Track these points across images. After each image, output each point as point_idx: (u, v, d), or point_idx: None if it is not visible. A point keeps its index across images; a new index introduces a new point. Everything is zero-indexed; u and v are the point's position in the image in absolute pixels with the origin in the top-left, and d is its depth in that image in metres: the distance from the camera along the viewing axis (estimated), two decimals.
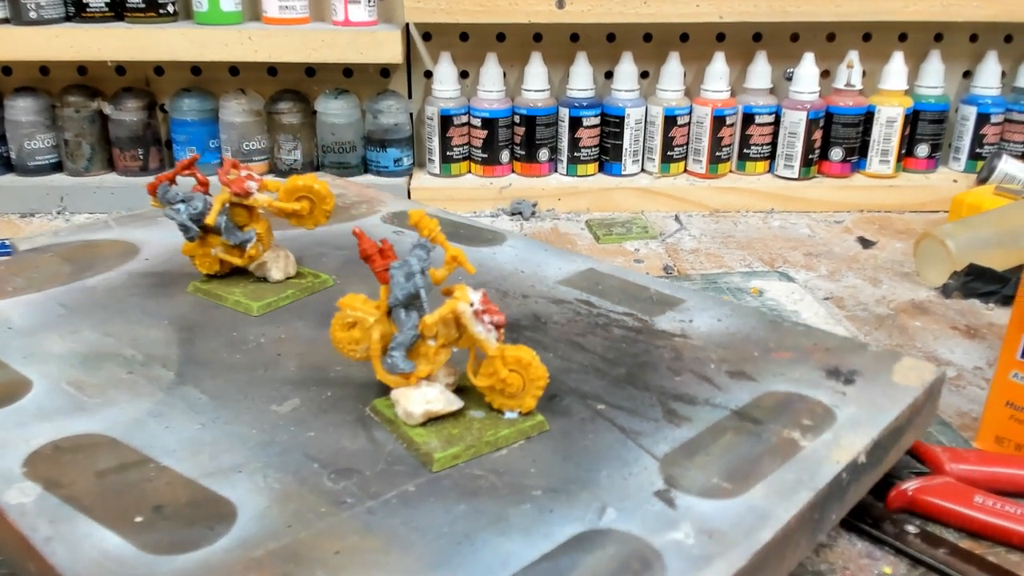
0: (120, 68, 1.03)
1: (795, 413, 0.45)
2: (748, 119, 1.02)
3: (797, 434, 0.44)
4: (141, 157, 1.01)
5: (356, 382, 0.47)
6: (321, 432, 0.42)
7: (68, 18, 0.97)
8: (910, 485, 0.47)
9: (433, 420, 0.42)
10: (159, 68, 1.04)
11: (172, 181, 0.56)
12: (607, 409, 0.45)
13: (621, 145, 1.02)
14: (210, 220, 0.55)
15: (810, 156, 1.02)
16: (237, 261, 0.58)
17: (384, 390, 0.45)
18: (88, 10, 0.96)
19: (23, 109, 0.99)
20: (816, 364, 0.50)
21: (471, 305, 0.41)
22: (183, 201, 0.55)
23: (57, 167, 1.02)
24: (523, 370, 0.42)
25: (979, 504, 0.46)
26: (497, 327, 0.42)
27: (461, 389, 0.45)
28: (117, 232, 0.68)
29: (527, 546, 0.35)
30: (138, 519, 0.36)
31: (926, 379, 0.49)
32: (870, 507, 0.47)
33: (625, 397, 0.47)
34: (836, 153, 1.03)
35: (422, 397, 0.42)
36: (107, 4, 0.96)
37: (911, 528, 0.46)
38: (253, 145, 1.00)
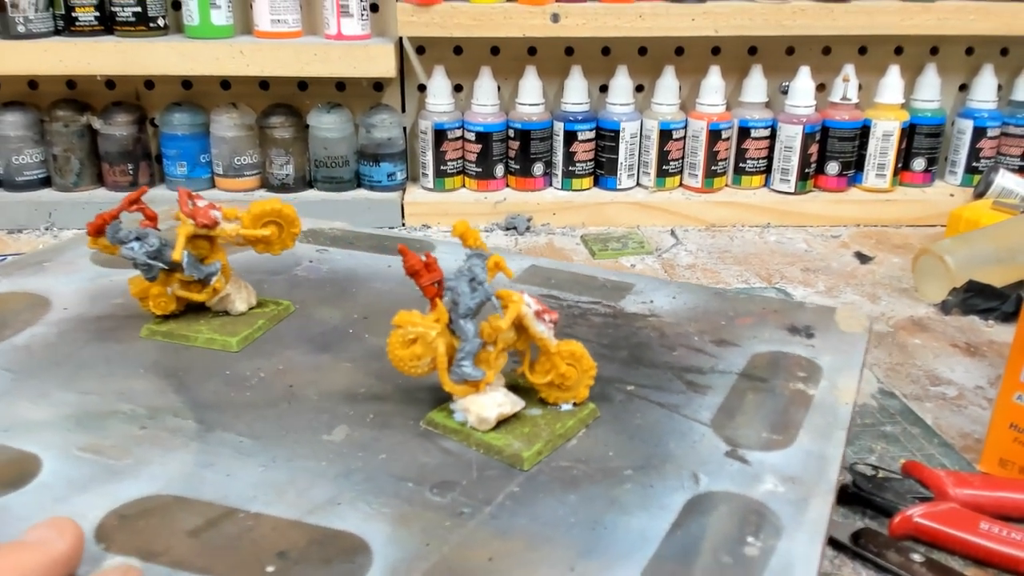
0: (110, 82, 1.02)
1: (788, 368, 0.51)
2: (744, 133, 1.02)
3: (801, 385, 0.49)
4: (131, 172, 0.99)
5: (391, 400, 0.47)
6: (391, 453, 0.42)
7: (57, 32, 0.96)
8: (915, 511, 0.46)
9: (501, 423, 0.44)
10: (149, 82, 1.03)
11: (116, 218, 0.52)
12: (637, 389, 0.48)
13: (616, 159, 1.02)
14: (177, 255, 0.51)
15: (806, 170, 1.02)
16: (198, 297, 0.54)
17: (429, 402, 0.45)
18: (77, 24, 0.95)
19: (11, 124, 0.98)
20: (776, 325, 0.56)
21: (529, 307, 0.44)
22: (137, 239, 0.51)
23: (46, 182, 1.00)
24: (576, 363, 0.45)
25: (985, 531, 0.45)
26: (554, 324, 0.45)
27: (513, 389, 0.46)
28: (8, 284, 0.61)
29: (653, 519, 0.38)
30: (269, 568, 0.34)
31: (865, 325, 0.56)
32: (875, 535, 0.46)
33: (643, 376, 0.50)
34: (832, 167, 1.02)
35: (493, 402, 0.43)
36: (97, 18, 0.95)
37: (916, 556, 0.45)
38: (244, 160, 0.99)
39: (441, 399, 0.46)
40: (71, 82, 1.02)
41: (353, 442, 0.43)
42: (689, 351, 0.53)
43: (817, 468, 0.42)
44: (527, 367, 0.45)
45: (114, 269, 0.62)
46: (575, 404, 0.45)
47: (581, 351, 0.45)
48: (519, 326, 0.44)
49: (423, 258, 0.44)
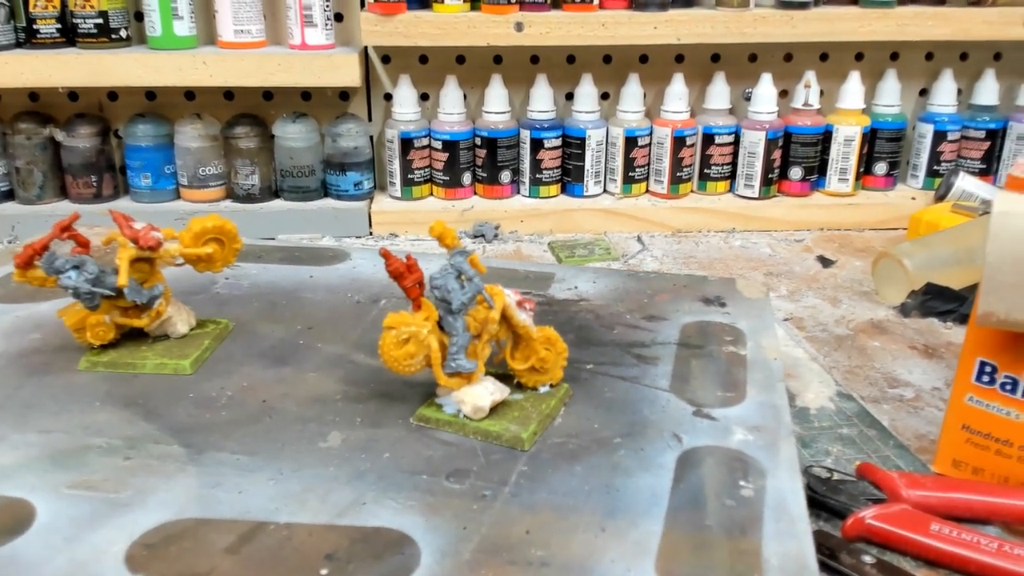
0: (73, 94, 1.01)
1: (716, 334, 0.58)
2: (708, 139, 1.02)
3: (732, 348, 0.56)
4: (95, 184, 0.99)
5: (371, 402, 0.48)
6: (393, 451, 0.44)
7: (19, 44, 0.95)
8: (867, 513, 0.47)
9: (491, 410, 0.46)
10: (113, 94, 1.02)
11: (47, 248, 0.50)
12: (596, 367, 0.52)
13: (583, 166, 1.02)
14: (123, 281, 0.49)
15: (770, 175, 1.03)
16: (139, 323, 0.52)
17: (409, 399, 0.47)
18: (39, 36, 0.94)
19: None
20: (690, 298, 0.63)
21: (511, 298, 0.46)
22: (75, 267, 0.49)
23: (8, 195, 1.00)
24: (552, 346, 0.48)
25: (936, 532, 0.46)
26: (532, 312, 0.48)
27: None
28: None
29: (655, 478, 0.42)
30: (323, 571, 0.35)
31: (764, 291, 0.65)
32: (827, 536, 0.47)
33: (596, 355, 0.54)
34: (796, 172, 1.03)
35: (486, 391, 0.46)
36: (58, 30, 0.94)
37: (868, 558, 0.45)
38: (209, 170, 0.99)
39: (418, 395, 0.47)
40: (33, 94, 1.01)
41: (352, 445, 0.44)
42: (626, 328, 0.58)
43: (773, 416, 0.48)
44: (508, 354, 0.47)
45: (14, 304, 0.59)
46: (551, 386, 0.49)
47: (555, 335, 0.48)
48: (502, 316, 0.46)
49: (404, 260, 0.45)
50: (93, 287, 0.50)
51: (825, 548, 0.46)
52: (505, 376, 0.49)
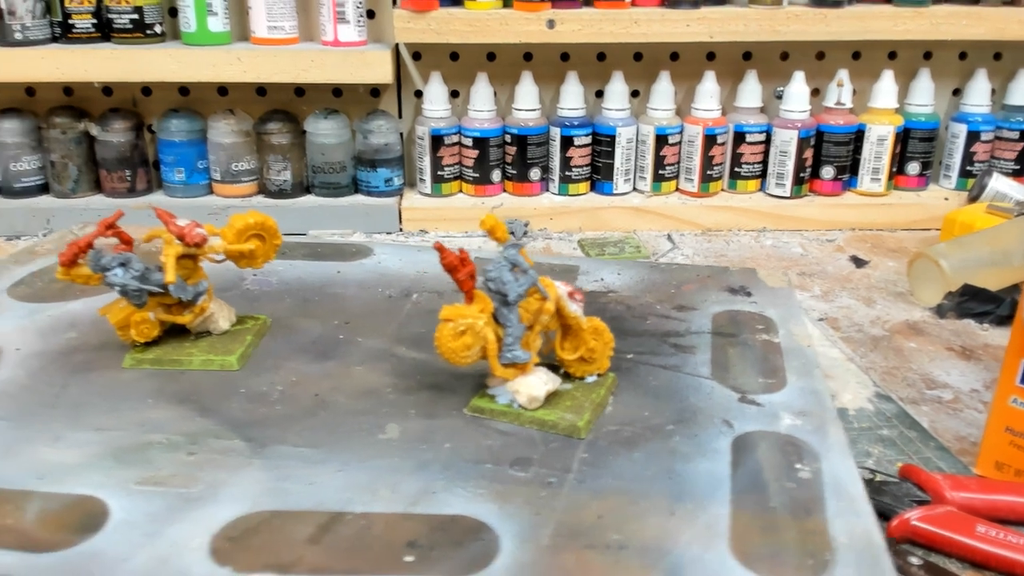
0: (107, 89, 1.02)
1: (746, 323, 0.59)
2: (739, 138, 1.02)
3: (765, 336, 0.57)
4: (128, 178, 0.99)
5: (421, 393, 0.49)
6: (453, 441, 0.44)
7: (54, 39, 0.96)
8: (912, 515, 0.47)
9: (545, 400, 0.47)
10: (146, 89, 1.03)
11: (91, 245, 0.50)
12: (636, 357, 0.53)
13: (612, 164, 1.02)
14: (171, 278, 0.50)
15: (801, 174, 1.02)
16: (183, 319, 0.52)
17: (458, 390, 0.48)
18: (74, 31, 0.95)
19: (9, 131, 0.98)
20: (715, 288, 0.64)
21: (563, 289, 0.47)
22: (122, 265, 0.49)
23: (43, 189, 1.01)
24: (599, 336, 0.49)
25: (982, 534, 0.46)
26: (582, 303, 0.49)
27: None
28: None
29: (713, 462, 0.43)
30: (408, 559, 0.35)
31: (786, 280, 0.67)
32: None
33: (635, 345, 0.55)
34: (827, 171, 1.03)
35: (540, 381, 0.46)
36: (94, 25, 0.95)
37: (914, 559, 0.45)
38: (242, 166, 1.00)
39: (466, 386, 0.48)
40: (68, 89, 1.02)
41: (411, 437, 0.44)
42: (659, 318, 0.59)
43: (816, 401, 0.49)
44: (558, 345, 0.48)
45: (44, 303, 0.60)
46: (599, 375, 0.49)
47: (603, 326, 0.49)
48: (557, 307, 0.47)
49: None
50: (141, 284, 0.50)
51: None
52: (551, 366, 0.49)
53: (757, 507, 0.40)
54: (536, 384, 0.46)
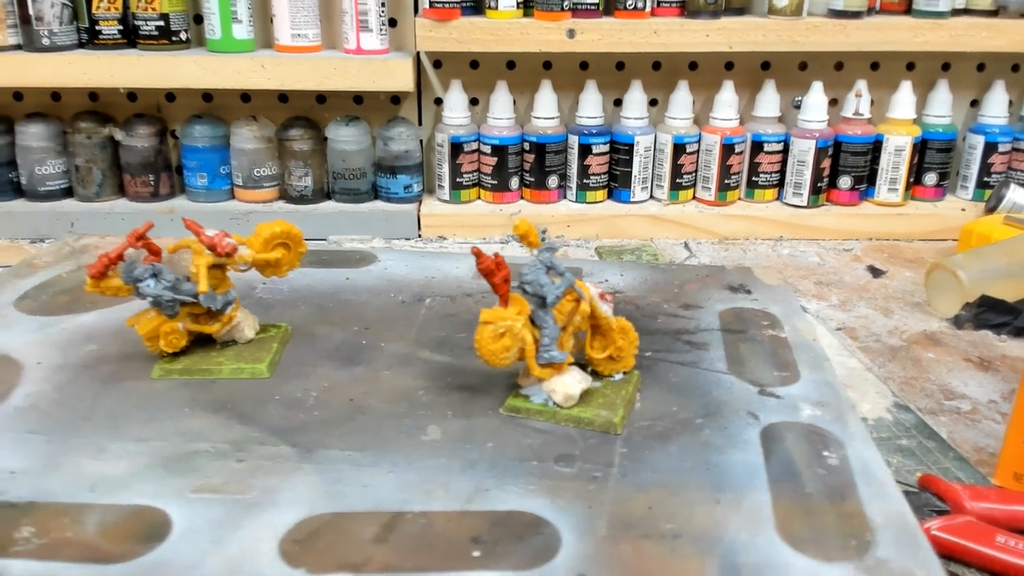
0: (132, 94, 1.03)
1: (752, 319, 0.60)
2: (757, 147, 1.03)
3: (772, 331, 0.59)
4: (152, 183, 1.01)
5: (454, 396, 0.50)
6: (495, 441, 0.45)
7: (81, 45, 0.97)
8: (932, 524, 0.47)
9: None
10: (170, 95, 1.04)
11: (122, 257, 0.50)
12: (654, 354, 0.55)
13: (630, 172, 1.03)
14: (203, 287, 0.50)
15: (819, 184, 1.03)
16: (210, 329, 0.52)
17: (490, 391, 0.49)
18: (101, 37, 0.96)
19: (34, 135, 0.99)
20: (716, 287, 0.66)
21: (594, 291, 0.49)
22: (153, 276, 0.50)
23: (68, 192, 1.02)
24: (625, 335, 0.50)
25: (1001, 544, 0.46)
26: (612, 304, 0.50)
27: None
28: None
29: (746, 453, 0.44)
30: (476, 553, 0.36)
31: (781, 278, 0.68)
32: None
33: (650, 343, 0.56)
34: (845, 181, 1.03)
35: (574, 380, 0.48)
36: (120, 31, 0.97)
37: None
38: (264, 171, 1.01)
39: (496, 386, 0.49)
40: (93, 94, 1.03)
41: (453, 437, 0.46)
42: (668, 317, 0.61)
43: (831, 393, 0.52)
44: (588, 344, 0.50)
45: (54, 316, 0.59)
46: (624, 373, 0.51)
47: (628, 325, 0.50)
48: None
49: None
50: (175, 295, 0.50)
51: None
52: (580, 365, 0.50)
53: (794, 493, 0.42)
54: (571, 383, 0.48)
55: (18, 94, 1.03)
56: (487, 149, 1.02)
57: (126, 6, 0.96)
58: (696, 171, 1.05)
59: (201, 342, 0.54)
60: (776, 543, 0.39)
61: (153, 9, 0.95)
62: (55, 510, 0.39)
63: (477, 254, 0.46)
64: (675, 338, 0.57)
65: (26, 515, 0.39)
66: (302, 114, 1.02)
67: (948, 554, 0.47)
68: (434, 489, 0.41)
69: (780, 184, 1.05)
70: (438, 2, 0.94)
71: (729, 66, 1.06)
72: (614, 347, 0.50)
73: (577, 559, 0.36)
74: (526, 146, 1.03)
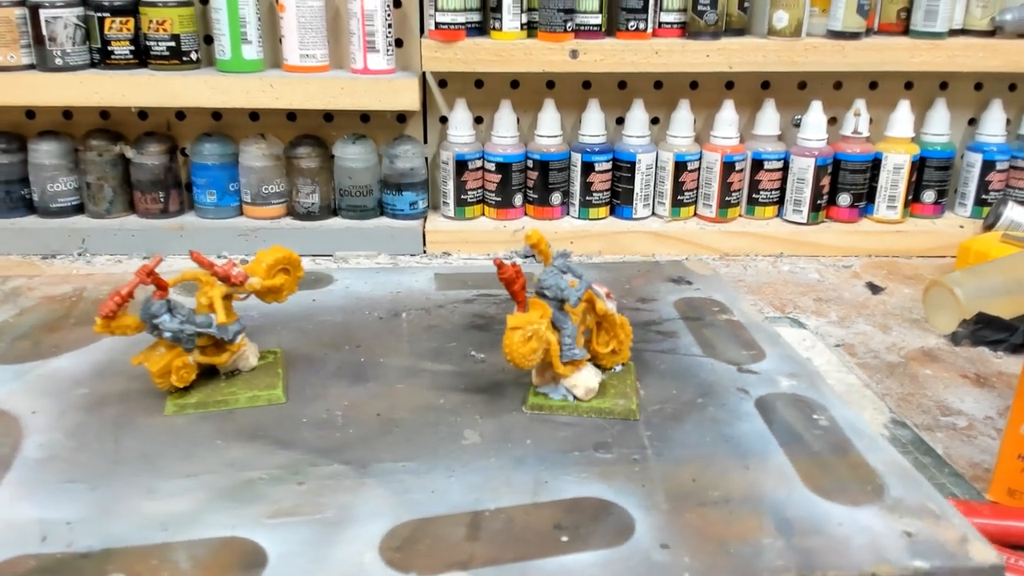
0: (142, 113, 1.05)
1: (703, 306, 0.64)
2: (757, 165, 1.04)
3: (725, 316, 0.63)
4: (162, 200, 1.02)
5: (475, 400, 0.51)
6: (532, 438, 0.47)
7: (93, 65, 0.99)
8: None
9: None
10: (180, 113, 1.06)
11: (132, 295, 0.48)
12: (635, 346, 0.57)
13: (632, 190, 1.04)
14: (223, 318, 0.49)
15: (818, 201, 1.04)
16: (219, 360, 0.51)
17: (504, 393, 0.52)
18: (113, 57, 0.98)
19: (46, 152, 1.01)
20: (659, 280, 0.69)
21: (600, 290, 0.52)
22: (169, 311, 0.49)
23: (79, 209, 1.04)
24: (623, 329, 0.53)
25: None
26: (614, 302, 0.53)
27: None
28: None
29: (751, 424, 0.49)
30: (564, 539, 0.39)
31: (712, 269, 0.73)
32: None
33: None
34: (844, 199, 1.05)
35: (592, 374, 0.51)
36: (131, 51, 0.98)
37: None
38: (272, 189, 1.02)
39: (510, 387, 0.52)
40: (105, 113, 1.05)
41: (491, 438, 0.47)
42: (631, 311, 0.63)
43: (799, 365, 0.56)
44: (594, 340, 0.52)
45: (23, 364, 0.55)
46: (622, 365, 0.54)
47: (625, 319, 0.53)
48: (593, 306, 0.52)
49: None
50: (198, 328, 0.49)
51: None
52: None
53: (804, 453, 0.46)
54: (591, 377, 0.50)
55: (31, 112, 1.05)
56: (491, 167, 1.03)
57: (138, 27, 0.98)
58: (697, 188, 1.06)
59: (204, 374, 0.52)
60: (810, 496, 0.43)
61: (164, 30, 0.97)
62: (137, 554, 0.38)
63: (499, 265, 0.48)
64: (646, 329, 0.60)
65: (108, 562, 0.37)
66: (310, 132, 1.04)
67: None
68: (498, 487, 0.43)
69: (780, 201, 1.06)
70: (444, 23, 0.96)
71: (729, 85, 1.08)
72: (616, 341, 0.53)
73: (654, 531, 0.39)
74: (530, 164, 1.04)
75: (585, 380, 0.50)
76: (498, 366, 0.56)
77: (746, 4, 1.00)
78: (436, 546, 0.38)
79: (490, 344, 0.59)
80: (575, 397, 0.50)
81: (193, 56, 0.99)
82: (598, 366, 0.52)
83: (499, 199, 1.04)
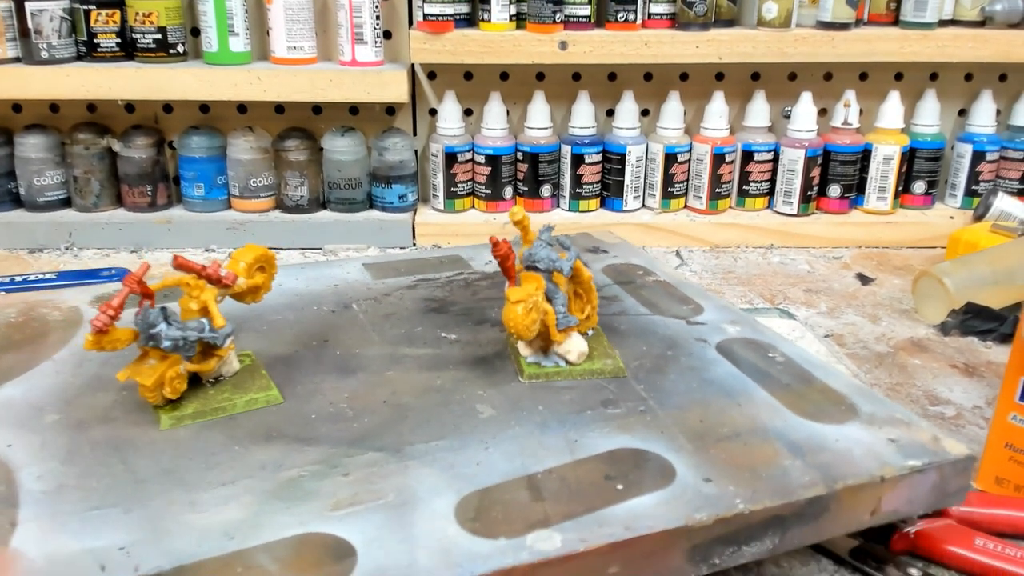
0: (129, 106, 1.05)
1: (630, 271, 0.69)
2: (747, 156, 1.04)
3: (652, 277, 0.68)
4: (149, 193, 1.02)
5: (470, 377, 0.52)
6: (543, 404, 0.49)
7: (79, 57, 0.99)
8: (913, 528, 0.48)
9: None
10: (168, 106, 1.05)
11: (123, 306, 0.45)
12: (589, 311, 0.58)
13: (622, 181, 1.04)
14: (220, 322, 0.47)
15: (808, 193, 1.04)
16: (207, 366, 0.49)
17: (496, 367, 0.54)
18: (99, 50, 0.97)
19: (33, 146, 1.00)
20: (580, 250, 0.68)
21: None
22: (164, 320, 0.46)
23: (66, 203, 1.03)
24: (593, 296, 0.56)
25: (980, 547, 0.47)
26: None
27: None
28: None
29: (722, 367, 0.53)
30: (619, 487, 0.41)
31: (617, 237, 0.78)
32: (874, 550, 0.48)
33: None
34: (834, 190, 1.05)
35: (580, 339, 0.53)
36: (118, 44, 0.98)
37: (914, 571, 0.46)
38: (260, 182, 1.02)
39: (500, 360, 0.54)
40: (92, 106, 1.05)
41: (506, 409, 0.48)
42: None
43: (735, 314, 0.61)
44: (572, 306, 0.55)
45: None
46: (593, 330, 0.57)
47: (592, 286, 0.55)
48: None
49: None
50: (200, 334, 0.47)
51: (872, 561, 0.47)
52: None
53: (778, 386, 0.51)
54: (580, 342, 0.53)
55: (17, 106, 1.04)
56: (481, 159, 1.03)
57: (124, 20, 0.97)
58: (687, 180, 1.06)
59: (192, 383, 0.50)
60: (802, 421, 0.47)
61: (151, 22, 0.96)
62: (214, 565, 0.36)
63: (494, 242, 0.50)
64: (602, 306, 0.64)
65: None
66: (298, 125, 1.04)
67: (928, 556, 0.48)
68: (535, 451, 0.44)
69: (770, 193, 1.06)
70: (432, 15, 0.95)
71: (719, 77, 1.07)
72: (591, 307, 0.56)
73: (692, 469, 0.42)
74: (519, 156, 1.04)
75: (577, 345, 0.53)
76: (473, 343, 0.57)
77: None
78: (509, 511, 0.39)
79: (454, 324, 0.60)
80: (567, 362, 0.52)
81: (180, 48, 0.99)
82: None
83: (489, 191, 1.04)
